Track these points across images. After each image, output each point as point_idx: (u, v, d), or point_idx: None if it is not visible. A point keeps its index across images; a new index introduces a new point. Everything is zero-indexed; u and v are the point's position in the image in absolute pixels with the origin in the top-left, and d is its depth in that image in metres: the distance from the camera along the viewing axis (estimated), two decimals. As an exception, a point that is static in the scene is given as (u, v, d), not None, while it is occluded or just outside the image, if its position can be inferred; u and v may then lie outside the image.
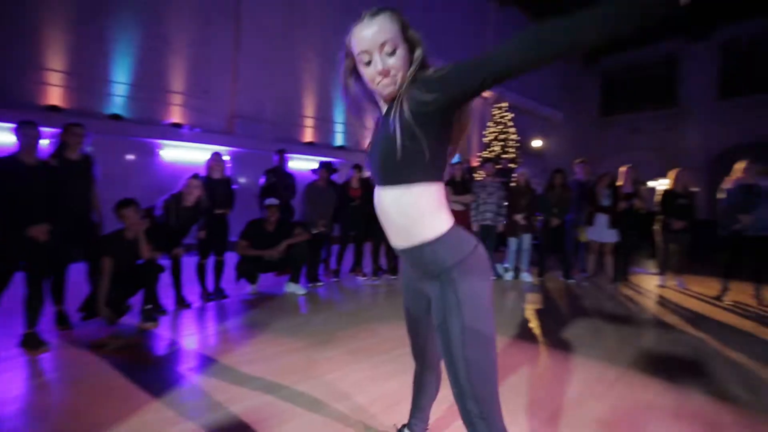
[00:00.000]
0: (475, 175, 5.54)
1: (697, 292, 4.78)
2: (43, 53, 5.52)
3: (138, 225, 3.12)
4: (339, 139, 8.97)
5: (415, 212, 0.99)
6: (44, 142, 3.30)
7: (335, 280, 4.91)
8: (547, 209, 5.17)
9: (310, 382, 2.20)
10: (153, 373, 2.28)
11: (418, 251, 1.01)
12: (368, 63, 1.00)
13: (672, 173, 4.98)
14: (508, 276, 5.26)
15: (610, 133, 15.74)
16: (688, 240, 4.95)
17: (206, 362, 2.44)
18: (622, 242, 5.10)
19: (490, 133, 10.60)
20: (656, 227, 5.11)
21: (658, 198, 5.05)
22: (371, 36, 0.96)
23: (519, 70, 0.83)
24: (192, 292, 3.92)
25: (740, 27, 12.43)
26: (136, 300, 3.19)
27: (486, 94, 11.83)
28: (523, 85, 13.26)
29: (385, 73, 0.99)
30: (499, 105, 10.66)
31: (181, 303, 3.62)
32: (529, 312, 3.78)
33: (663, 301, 4.33)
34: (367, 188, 4.98)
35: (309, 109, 8.46)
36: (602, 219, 4.99)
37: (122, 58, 6.15)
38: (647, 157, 14.13)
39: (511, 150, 10.35)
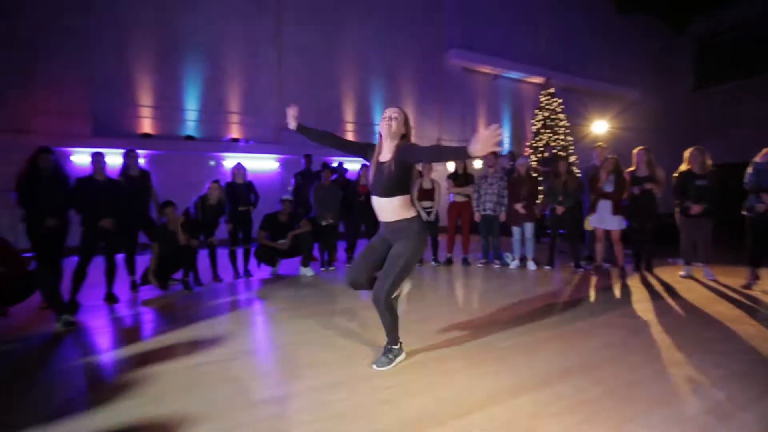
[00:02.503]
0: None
1: (723, 284, 4.38)
2: (136, 92, 7.29)
3: (176, 220, 4.23)
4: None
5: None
6: (141, 161, 4.80)
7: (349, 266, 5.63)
8: (552, 197, 5.19)
9: (263, 329, 2.95)
10: (189, 320, 3.23)
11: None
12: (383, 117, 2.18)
13: (687, 152, 4.63)
14: (514, 265, 5.39)
15: (704, 107, 13.71)
16: (710, 226, 4.55)
17: (219, 309, 3.34)
18: (634, 229, 4.90)
19: (537, 120, 10.27)
20: (676, 212, 4.78)
21: (673, 181, 4.73)
22: (389, 110, 2.20)
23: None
24: (229, 273, 4.99)
25: None
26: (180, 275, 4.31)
27: (537, 79, 11.40)
28: (589, 66, 12.39)
29: (387, 119, 2.15)
30: (546, 91, 10.26)
31: (216, 279, 4.69)
32: (517, 299, 3.98)
33: (672, 292, 4.09)
34: (373, 185, 5.59)
35: (349, 115, 9.32)
36: (605, 205, 4.85)
37: (192, 89, 7.71)
38: (752, 132, 12.06)
39: (560, 137, 9.91)
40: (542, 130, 10.12)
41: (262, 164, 8.22)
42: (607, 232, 4.97)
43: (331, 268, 5.40)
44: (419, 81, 10.15)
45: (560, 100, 10.19)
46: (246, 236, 5.00)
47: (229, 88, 8.03)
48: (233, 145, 7.92)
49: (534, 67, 11.14)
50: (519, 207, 5.23)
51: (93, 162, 3.81)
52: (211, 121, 7.86)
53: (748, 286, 4.11)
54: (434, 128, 10.45)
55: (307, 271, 5.04)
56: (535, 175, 5.66)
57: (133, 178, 4.29)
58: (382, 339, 2.39)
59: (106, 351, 2.68)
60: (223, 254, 5.06)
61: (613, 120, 12.26)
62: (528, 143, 10.65)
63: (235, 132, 8.08)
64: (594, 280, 4.61)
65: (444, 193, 5.66)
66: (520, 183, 5.30)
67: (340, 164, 6.42)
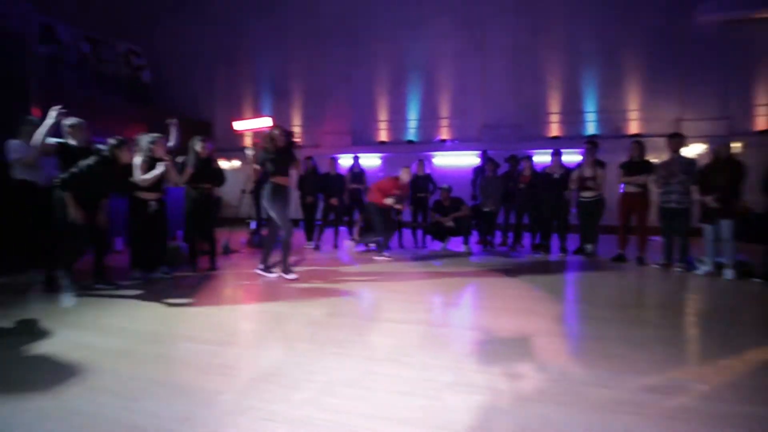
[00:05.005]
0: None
1: None
2: (377, 111, 10.07)
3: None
4: (591, 128, 9.01)
5: None
6: (378, 162, 7.28)
7: (508, 248, 6.19)
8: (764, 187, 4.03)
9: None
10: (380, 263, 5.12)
11: None
12: None
13: None
14: (702, 270, 4.47)
15: None
16: None
17: (401, 262, 5.03)
18: None
19: None
20: None
21: None
22: None
23: None
24: (410, 243, 6.64)
25: None
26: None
27: None
28: None
29: None
30: None
31: (400, 246, 6.43)
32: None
33: None
34: (536, 176, 5.87)
35: (555, 106, 9.16)
36: None
37: (413, 102, 9.84)
38: None
39: None
40: None
41: (466, 160, 9.47)
42: None
43: (490, 247, 6.13)
44: (647, 55, 8.67)
45: None
46: (424, 217, 6.47)
47: (439, 97, 9.72)
48: (442, 145, 9.56)
49: None
50: (709, 200, 4.32)
51: (329, 163, 6.24)
52: (426, 126, 9.79)
53: None
54: (672, 108, 8.65)
55: (468, 249, 6.00)
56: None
57: (355, 174, 6.55)
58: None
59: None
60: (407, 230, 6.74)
61: None
62: None
63: (444, 134, 9.70)
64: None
65: (606, 181, 5.27)
66: (714, 170, 4.33)
67: (514, 156, 6.75)
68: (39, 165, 3.75)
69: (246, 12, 11.02)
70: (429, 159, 9.75)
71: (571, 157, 7.68)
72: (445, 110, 9.74)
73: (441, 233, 6.29)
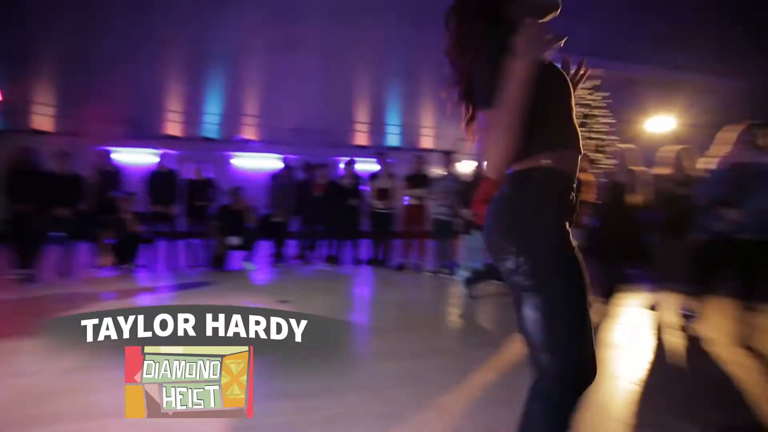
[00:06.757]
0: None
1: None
2: (165, 99, 8.41)
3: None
4: (394, 140, 9.55)
5: None
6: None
7: (301, 261, 5.75)
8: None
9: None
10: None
11: None
12: None
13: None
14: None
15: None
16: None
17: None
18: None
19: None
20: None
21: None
22: None
23: None
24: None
25: None
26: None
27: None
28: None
29: None
30: (588, 85, 8.96)
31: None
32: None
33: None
34: (332, 186, 5.60)
35: (362, 115, 9.39)
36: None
37: (213, 96, 8.59)
38: None
39: (597, 137, 8.59)
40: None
41: (273, 163, 8.72)
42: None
43: (281, 265, 5.59)
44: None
45: (600, 96, 8.85)
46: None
47: (246, 93, 8.74)
48: (245, 145, 8.58)
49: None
50: (466, 213, 4.75)
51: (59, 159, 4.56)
52: (228, 123, 8.65)
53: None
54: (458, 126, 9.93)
55: (249, 265, 5.23)
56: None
57: (105, 173, 5.01)
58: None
59: None
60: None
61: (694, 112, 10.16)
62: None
63: (248, 133, 8.78)
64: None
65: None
66: (471, 187, 4.80)
67: (308, 164, 6.39)
68: None
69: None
70: (227, 159, 8.65)
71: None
72: (252, 108, 8.81)
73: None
